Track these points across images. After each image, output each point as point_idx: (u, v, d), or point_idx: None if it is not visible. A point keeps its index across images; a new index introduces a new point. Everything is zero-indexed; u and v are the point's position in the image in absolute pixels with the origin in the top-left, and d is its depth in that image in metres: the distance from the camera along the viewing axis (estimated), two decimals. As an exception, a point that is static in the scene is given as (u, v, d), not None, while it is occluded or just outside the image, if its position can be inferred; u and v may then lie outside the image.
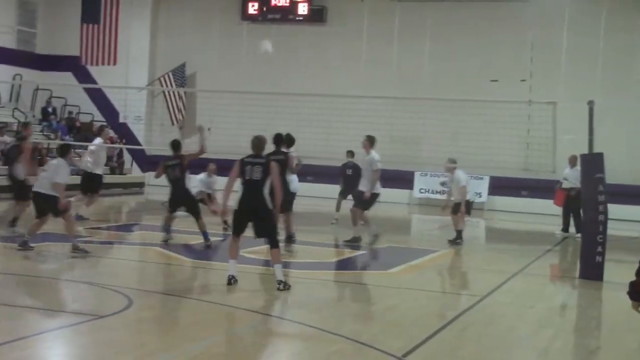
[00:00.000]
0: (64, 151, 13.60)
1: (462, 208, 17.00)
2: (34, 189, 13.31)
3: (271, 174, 11.03)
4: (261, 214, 11.07)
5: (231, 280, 10.99)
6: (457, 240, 17.23)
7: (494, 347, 8.95)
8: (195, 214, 14.98)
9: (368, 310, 10.75)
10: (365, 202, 16.25)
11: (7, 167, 15.83)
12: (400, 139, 27.80)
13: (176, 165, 14.90)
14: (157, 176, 15.46)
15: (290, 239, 15.35)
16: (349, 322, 9.58)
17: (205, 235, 14.80)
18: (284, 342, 8.78)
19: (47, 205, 13.02)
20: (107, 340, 8.17)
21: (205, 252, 14.52)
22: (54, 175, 12.91)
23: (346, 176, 20.47)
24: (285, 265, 12.43)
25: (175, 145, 15.22)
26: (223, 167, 16.28)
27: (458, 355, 8.38)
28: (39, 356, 7.58)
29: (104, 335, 8.37)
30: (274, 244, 11.19)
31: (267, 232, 11.22)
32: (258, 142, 11.30)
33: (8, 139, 26.69)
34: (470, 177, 19.17)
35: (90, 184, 17.84)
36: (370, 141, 16.56)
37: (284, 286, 10.91)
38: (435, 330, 9.22)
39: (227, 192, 11.34)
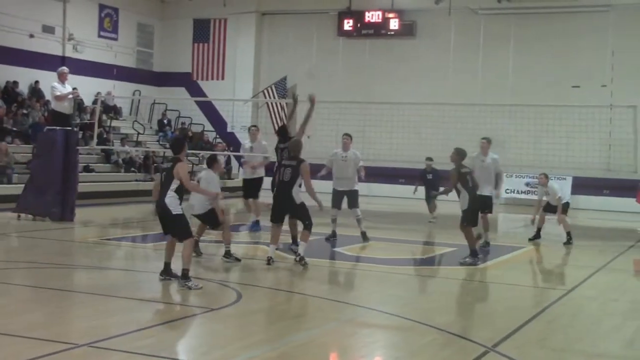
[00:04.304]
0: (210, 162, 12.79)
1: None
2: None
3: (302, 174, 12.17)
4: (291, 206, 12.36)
5: (269, 261, 12.22)
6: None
7: (580, 338, 8.71)
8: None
9: (459, 303, 10.59)
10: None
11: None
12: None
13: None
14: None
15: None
16: (441, 314, 9.46)
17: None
18: (381, 333, 8.72)
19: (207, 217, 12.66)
20: (218, 330, 8.28)
21: (308, 250, 14.45)
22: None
23: (427, 180, 20.33)
24: (382, 261, 12.35)
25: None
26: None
27: (545, 346, 8.18)
28: (160, 344, 7.72)
29: (216, 326, 8.48)
30: (305, 226, 12.38)
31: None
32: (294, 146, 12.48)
33: (129, 148, 27.45)
34: (553, 178, 18.83)
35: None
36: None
37: (302, 261, 12.13)
38: (524, 322, 9.03)
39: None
